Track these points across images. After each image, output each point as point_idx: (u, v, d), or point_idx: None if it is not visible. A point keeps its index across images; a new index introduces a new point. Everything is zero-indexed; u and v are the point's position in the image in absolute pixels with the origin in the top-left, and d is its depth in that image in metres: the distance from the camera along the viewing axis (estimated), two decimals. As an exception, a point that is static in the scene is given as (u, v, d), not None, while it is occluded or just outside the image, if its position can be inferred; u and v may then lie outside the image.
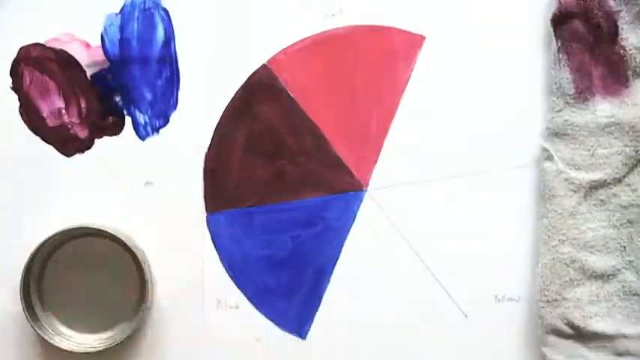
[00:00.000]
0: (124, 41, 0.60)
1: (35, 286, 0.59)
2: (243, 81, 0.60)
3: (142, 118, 0.60)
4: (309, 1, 0.60)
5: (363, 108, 0.60)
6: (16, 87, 0.60)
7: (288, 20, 0.60)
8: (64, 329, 0.59)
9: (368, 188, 0.60)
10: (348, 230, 0.60)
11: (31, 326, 0.57)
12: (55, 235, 0.57)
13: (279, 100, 0.60)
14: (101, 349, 0.57)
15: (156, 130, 0.60)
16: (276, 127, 0.60)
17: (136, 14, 0.60)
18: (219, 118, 0.60)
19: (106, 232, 0.57)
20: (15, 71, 0.60)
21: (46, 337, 0.57)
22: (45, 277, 0.59)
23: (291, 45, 0.60)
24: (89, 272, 0.59)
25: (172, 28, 0.60)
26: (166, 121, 0.60)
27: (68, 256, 0.59)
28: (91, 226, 0.58)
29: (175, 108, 0.60)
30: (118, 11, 0.60)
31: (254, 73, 0.60)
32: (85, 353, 0.58)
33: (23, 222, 0.60)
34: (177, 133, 0.60)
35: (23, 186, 0.60)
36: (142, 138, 0.60)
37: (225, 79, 0.60)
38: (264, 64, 0.60)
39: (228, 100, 0.60)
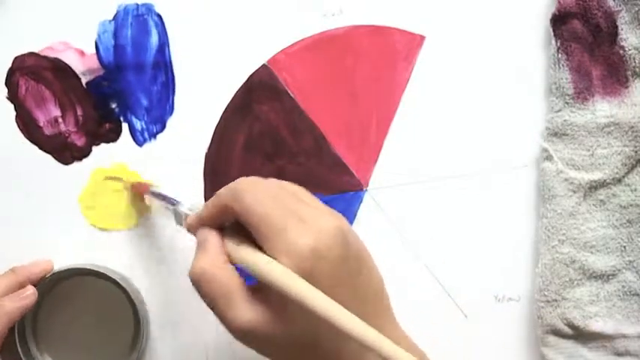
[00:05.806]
0: (118, 48, 0.59)
1: (30, 326, 0.58)
2: (243, 81, 0.60)
3: (138, 124, 0.60)
4: (309, 1, 0.59)
5: (363, 108, 0.60)
6: (12, 97, 0.60)
7: (288, 20, 0.59)
8: None
9: (368, 188, 0.60)
10: (348, 230, 0.60)
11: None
12: (52, 275, 0.56)
13: (279, 100, 0.60)
14: None
15: (153, 135, 0.60)
16: (276, 127, 0.60)
17: (130, 20, 0.59)
18: (219, 118, 0.60)
19: (101, 272, 0.56)
20: (10, 81, 0.59)
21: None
22: (40, 316, 0.58)
23: (291, 45, 0.60)
24: (84, 311, 0.58)
25: (166, 33, 0.59)
26: (163, 126, 0.60)
27: (63, 296, 0.58)
28: (86, 267, 0.57)
29: (172, 113, 0.60)
30: (111, 18, 0.60)
31: (254, 73, 0.60)
32: None
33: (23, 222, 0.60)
34: (174, 138, 0.60)
35: (22, 193, 0.60)
36: (140, 144, 0.60)
37: (225, 79, 0.60)
38: (264, 64, 0.60)
39: (228, 100, 0.60)
